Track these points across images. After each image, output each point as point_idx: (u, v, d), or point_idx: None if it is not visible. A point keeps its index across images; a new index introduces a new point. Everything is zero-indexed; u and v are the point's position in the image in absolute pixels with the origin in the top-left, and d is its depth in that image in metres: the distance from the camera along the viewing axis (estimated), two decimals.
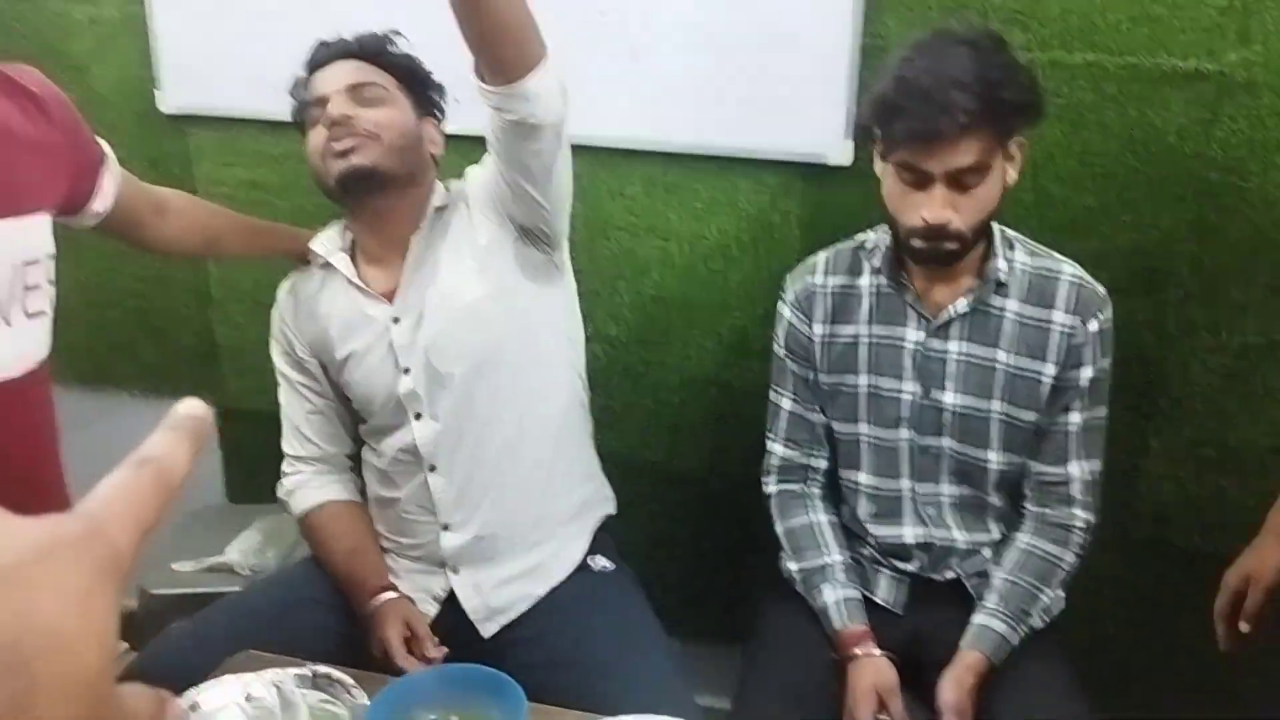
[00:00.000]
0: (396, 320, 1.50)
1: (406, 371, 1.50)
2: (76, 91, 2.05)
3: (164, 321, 2.20)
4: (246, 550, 1.96)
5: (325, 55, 1.51)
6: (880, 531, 1.58)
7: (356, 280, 1.52)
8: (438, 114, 1.57)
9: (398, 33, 1.53)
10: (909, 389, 1.52)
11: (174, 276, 2.16)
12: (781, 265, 1.80)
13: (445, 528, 1.54)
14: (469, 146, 1.50)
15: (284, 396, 1.63)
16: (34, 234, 1.17)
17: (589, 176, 1.85)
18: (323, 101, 1.46)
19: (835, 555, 1.57)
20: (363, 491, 1.65)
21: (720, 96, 1.74)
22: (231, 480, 2.31)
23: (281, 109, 1.96)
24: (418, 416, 1.52)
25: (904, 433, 1.54)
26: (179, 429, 0.40)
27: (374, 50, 1.51)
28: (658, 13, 1.73)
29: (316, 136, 1.47)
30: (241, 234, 1.63)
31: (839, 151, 1.72)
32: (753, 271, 1.84)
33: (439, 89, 1.57)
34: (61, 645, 0.31)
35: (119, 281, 2.19)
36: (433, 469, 1.53)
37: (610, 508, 1.69)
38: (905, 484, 1.56)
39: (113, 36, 2.01)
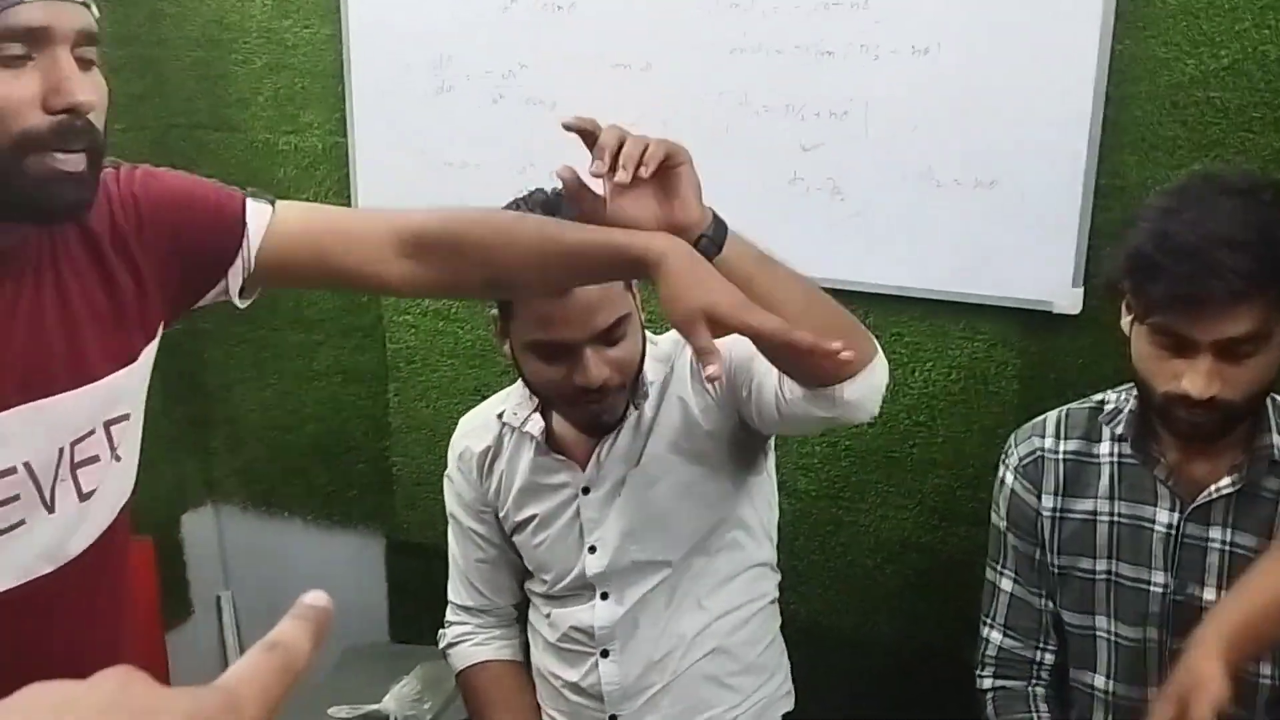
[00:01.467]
0: (587, 490, 1.39)
1: (593, 551, 1.39)
2: None
3: (340, 448, 2.18)
4: (403, 699, 1.85)
5: None
6: None
7: (543, 444, 1.40)
8: None
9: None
10: (1159, 580, 1.29)
11: (353, 403, 2.13)
12: (995, 422, 1.63)
13: (613, 719, 1.40)
14: None
15: (454, 540, 1.54)
16: (108, 395, 0.97)
17: None
18: (555, 346, 1.25)
19: None
20: (526, 647, 1.54)
21: (933, 236, 1.60)
22: (395, 617, 2.24)
23: None
24: (604, 596, 1.40)
25: (1152, 632, 1.31)
26: (304, 618, 0.42)
27: None
28: (867, 149, 1.61)
29: (547, 376, 1.28)
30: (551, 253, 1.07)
31: (1066, 299, 1.54)
32: (962, 428, 1.66)
33: None
34: None
35: (298, 405, 2.19)
36: (605, 654, 1.40)
37: (789, 705, 1.52)
38: (1153, 694, 1.32)
39: (314, 165, 2.04)
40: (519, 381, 1.44)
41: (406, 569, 2.18)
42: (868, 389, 1.14)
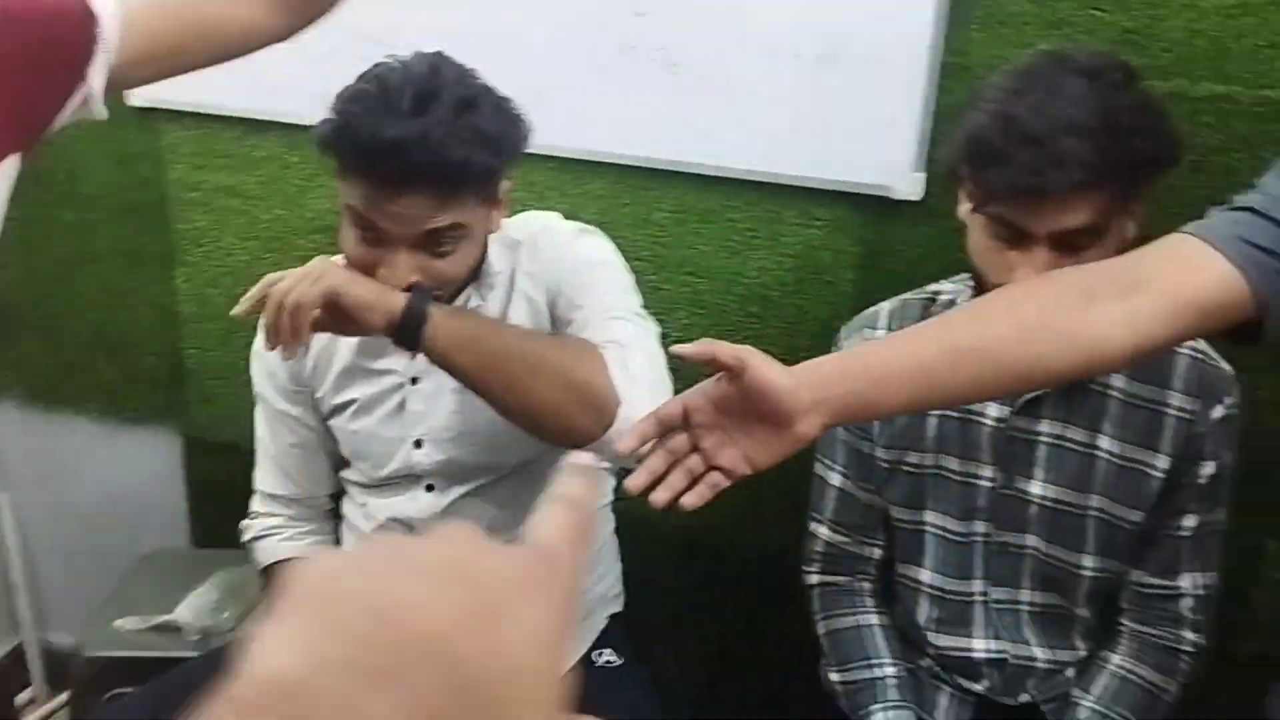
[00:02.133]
0: (415, 380, 1.27)
1: (419, 445, 1.29)
2: None
3: (126, 340, 1.96)
4: (199, 609, 1.71)
5: (385, 172, 1.08)
6: (944, 642, 1.33)
7: None
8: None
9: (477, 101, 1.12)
10: (987, 475, 1.27)
11: (138, 290, 1.91)
12: (829, 313, 1.57)
13: None
14: None
15: (262, 424, 1.40)
16: None
17: (611, 199, 1.61)
18: (374, 228, 1.12)
19: (887, 667, 1.32)
20: (339, 543, 1.44)
21: (769, 115, 1.49)
22: (196, 520, 2.07)
23: (266, 106, 1.73)
24: (429, 489, 1.32)
25: (979, 526, 1.29)
26: (580, 474, 0.41)
27: (460, 177, 1.10)
28: (700, 16, 1.48)
29: (355, 253, 1.15)
30: None
31: (907, 184, 1.47)
32: (795, 319, 1.59)
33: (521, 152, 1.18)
34: (527, 683, 0.32)
35: (76, 292, 1.95)
36: None
37: (617, 606, 1.49)
38: (978, 587, 1.31)
39: None
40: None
41: (205, 469, 2.00)
42: (617, 434, 1.06)
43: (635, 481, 0.90)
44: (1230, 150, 1.32)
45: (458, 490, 1.31)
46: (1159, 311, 0.90)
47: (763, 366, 0.88)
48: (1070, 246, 1.09)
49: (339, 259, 1.19)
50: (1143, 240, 1.14)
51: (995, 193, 1.10)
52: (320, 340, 1.29)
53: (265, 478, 1.42)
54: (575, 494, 0.40)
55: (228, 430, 1.91)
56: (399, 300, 1.08)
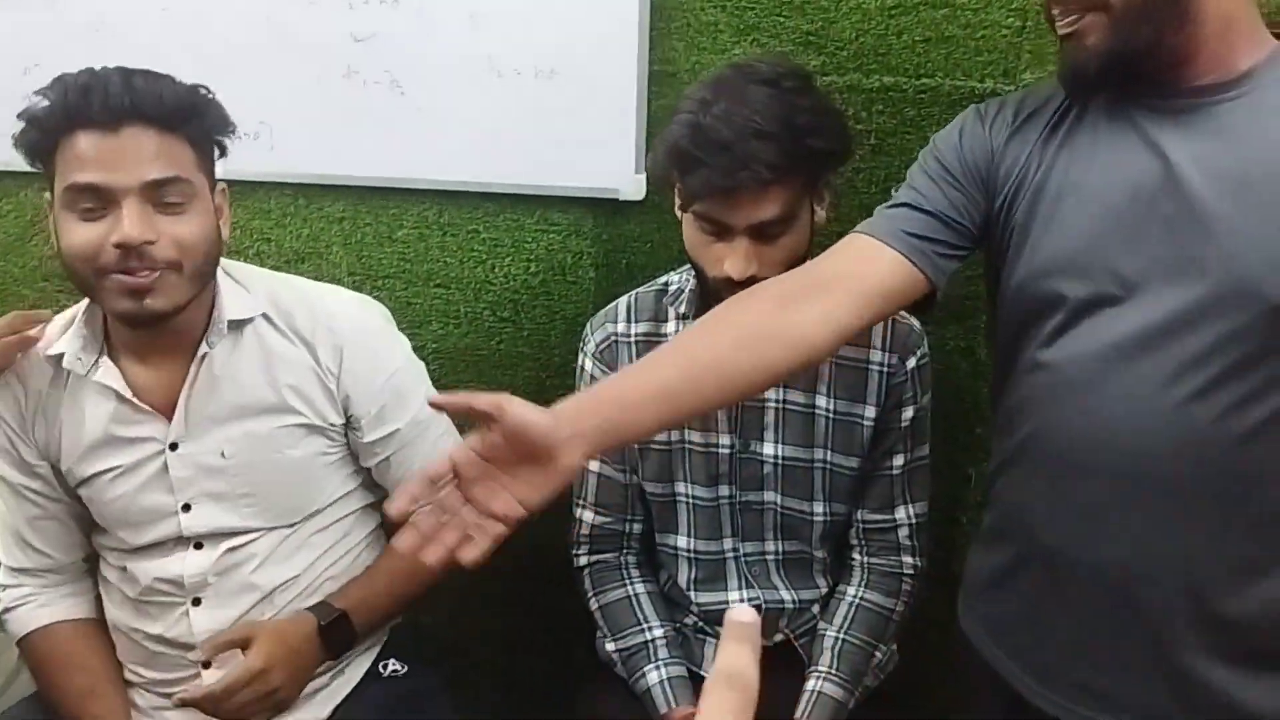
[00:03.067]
0: (175, 446, 1.25)
1: (187, 509, 1.27)
2: None
3: None
4: None
5: (97, 109, 1.11)
6: (704, 599, 1.45)
7: (126, 393, 1.24)
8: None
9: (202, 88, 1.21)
10: (725, 442, 1.39)
11: None
12: (576, 310, 1.66)
13: (206, 665, 1.30)
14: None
15: (0, 500, 1.33)
16: None
17: (352, 219, 1.65)
18: (97, 192, 1.12)
19: (656, 630, 1.42)
20: (98, 599, 1.39)
21: (498, 129, 1.57)
22: None
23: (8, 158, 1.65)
24: (198, 546, 1.29)
25: (724, 489, 1.41)
26: (744, 640, 0.45)
27: (176, 114, 1.15)
28: (423, 39, 1.54)
29: (83, 238, 1.13)
30: None
31: (630, 186, 1.59)
32: (545, 319, 1.68)
33: (231, 131, 1.25)
34: None
35: None
36: (197, 602, 1.29)
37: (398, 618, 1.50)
38: (729, 545, 1.44)
39: None
40: (70, 314, 1.27)
41: None
42: None
43: (404, 542, 0.89)
44: (903, 133, 1.51)
45: (230, 543, 1.29)
46: (850, 304, 1.05)
47: (520, 409, 0.90)
48: (767, 235, 1.24)
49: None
50: (834, 221, 1.31)
51: (696, 194, 1.22)
52: (59, 412, 1.27)
53: (9, 551, 1.35)
54: (743, 671, 0.46)
55: None
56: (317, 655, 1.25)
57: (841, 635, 1.38)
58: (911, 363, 1.36)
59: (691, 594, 1.45)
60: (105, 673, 1.33)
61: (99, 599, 1.39)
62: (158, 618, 1.30)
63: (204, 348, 1.24)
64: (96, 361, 1.24)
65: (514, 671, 1.88)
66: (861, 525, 1.42)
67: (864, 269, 1.08)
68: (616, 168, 1.58)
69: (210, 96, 1.21)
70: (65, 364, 1.24)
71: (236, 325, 1.26)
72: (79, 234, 1.13)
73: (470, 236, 1.65)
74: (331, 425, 1.30)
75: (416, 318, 1.68)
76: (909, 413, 1.37)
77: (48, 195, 1.18)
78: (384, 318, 1.38)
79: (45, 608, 1.35)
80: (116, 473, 1.27)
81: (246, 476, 1.26)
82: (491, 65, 1.55)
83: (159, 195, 1.14)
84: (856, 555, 1.43)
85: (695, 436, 1.40)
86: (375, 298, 1.65)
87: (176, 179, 1.14)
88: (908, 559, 1.41)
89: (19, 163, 1.58)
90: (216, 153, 1.24)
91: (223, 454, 1.26)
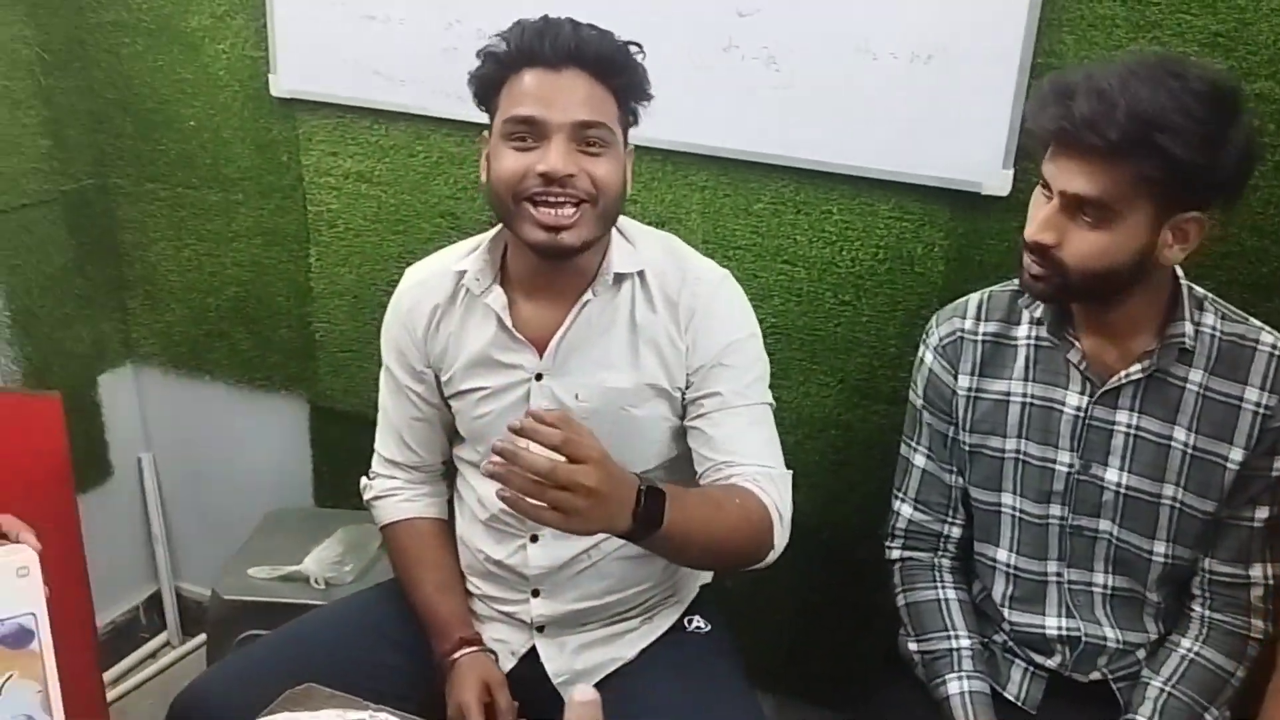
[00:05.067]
0: (540, 378, 1.36)
1: None
2: (190, 69, 2.01)
3: (262, 312, 2.13)
4: (323, 561, 1.86)
5: (547, 51, 1.24)
6: (1018, 618, 1.39)
7: (509, 323, 1.36)
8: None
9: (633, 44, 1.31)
10: (1065, 460, 1.32)
11: (274, 266, 2.08)
12: (919, 303, 1.63)
13: (535, 594, 1.42)
14: None
15: (386, 394, 1.50)
16: None
17: (712, 189, 1.70)
18: (533, 125, 1.24)
19: (963, 640, 1.39)
20: (452, 505, 1.54)
21: (864, 111, 1.56)
22: (319, 482, 2.23)
23: (396, 99, 1.87)
24: None
25: (1055, 509, 1.35)
26: None
27: (610, 66, 1.27)
28: (802, 17, 1.55)
29: (512, 164, 1.25)
30: None
31: (995, 180, 1.52)
32: (886, 307, 1.66)
33: (648, 98, 1.33)
34: None
35: (218, 266, 2.12)
36: (535, 539, 1.40)
37: (707, 577, 1.56)
38: (1052, 567, 1.37)
39: (230, 14, 1.93)
40: (476, 240, 1.41)
41: (330, 435, 2.16)
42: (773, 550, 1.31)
43: None
44: None
45: None
46: None
47: None
48: (1081, 211, 1.15)
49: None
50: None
51: (1041, 132, 1.17)
52: (451, 325, 1.40)
53: (386, 443, 1.52)
54: None
55: (351, 400, 2.07)
56: (627, 513, 1.10)
57: (1168, 688, 1.29)
58: None
59: (1005, 610, 1.40)
60: (455, 573, 1.47)
61: (451, 505, 1.54)
62: (499, 544, 1.42)
63: (588, 294, 1.33)
64: (490, 286, 1.35)
65: (808, 648, 1.90)
66: (1208, 576, 1.30)
67: None
68: (982, 160, 1.52)
69: (641, 57, 1.30)
70: (464, 281, 1.37)
71: (619, 278, 1.34)
72: (509, 160, 1.24)
73: (823, 217, 1.65)
74: (677, 389, 1.36)
75: (761, 291, 1.72)
76: None
77: (485, 132, 1.32)
78: (738, 290, 1.41)
79: (409, 503, 1.51)
80: (485, 393, 1.39)
81: (591, 422, 1.33)
82: (867, 47, 1.54)
83: (584, 136, 1.23)
84: (1197, 607, 1.32)
85: (1032, 449, 1.34)
86: (724, 266, 1.72)
87: (601, 124, 1.24)
88: (1257, 622, 1.29)
89: (436, 108, 1.80)
90: (631, 118, 1.32)
91: (577, 396, 1.34)
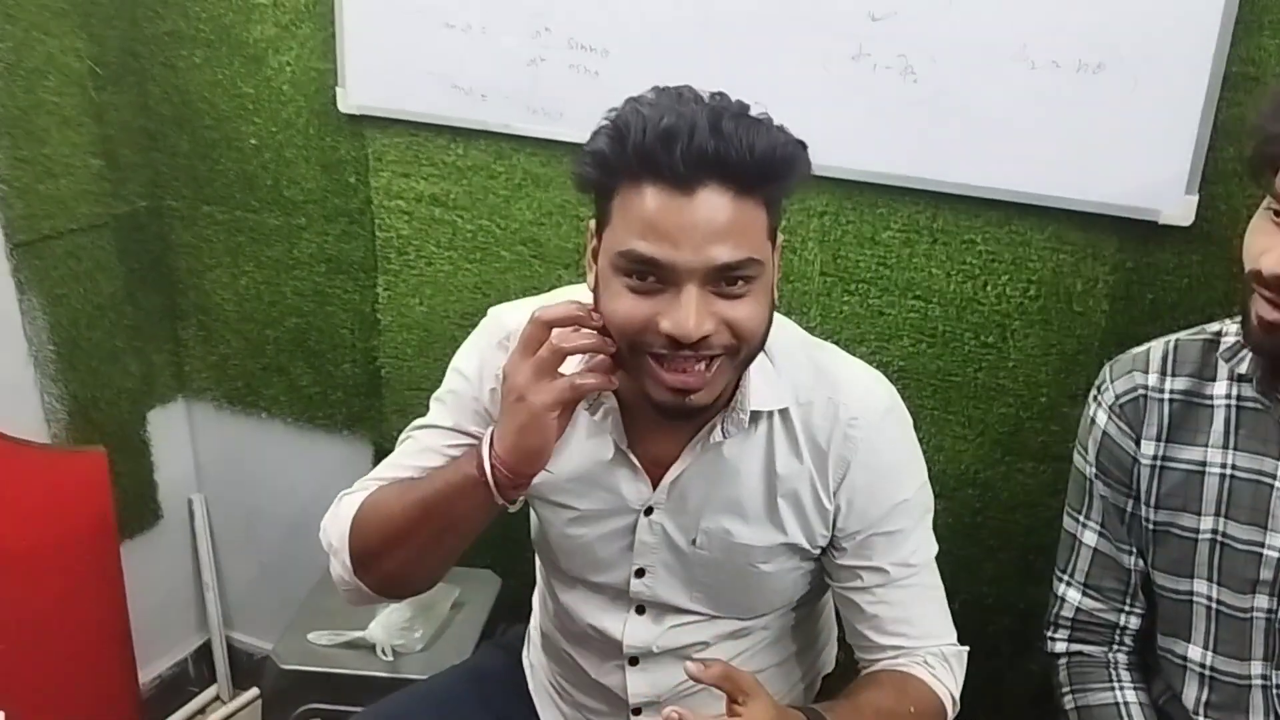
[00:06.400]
0: (649, 511, 1.14)
1: (640, 575, 1.18)
2: (251, 83, 1.86)
3: (324, 345, 1.96)
4: (390, 626, 1.68)
5: (677, 164, 0.91)
6: None
7: (623, 445, 1.12)
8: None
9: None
10: (1277, 544, 1.11)
11: (339, 296, 1.91)
12: (1076, 347, 1.42)
13: (636, 713, 1.24)
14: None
15: (429, 437, 1.18)
16: None
17: (834, 215, 1.50)
18: (656, 267, 0.93)
19: None
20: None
21: (1019, 128, 1.36)
22: None
23: (474, 115, 1.69)
24: (639, 610, 1.20)
25: (1262, 600, 1.13)
26: None
27: (763, 174, 0.94)
28: (946, 20, 1.36)
29: (629, 311, 0.96)
30: None
31: (1176, 208, 1.31)
32: (1038, 351, 1.45)
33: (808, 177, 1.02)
34: None
35: (278, 296, 1.96)
36: (634, 662, 1.22)
37: (830, 666, 1.38)
38: (1258, 669, 1.15)
39: (295, 23, 1.77)
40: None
41: None
42: None
43: None
44: None
45: (674, 619, 1.19)
46: None
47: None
48: None
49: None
50: None
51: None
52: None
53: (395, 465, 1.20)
54: None
55: None
56: None
57: None
58: None
59: (1199, 719, 1.18)
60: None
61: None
62: (592, 665, 1.25)
63: (718, 435, 1.08)
64: (599, 398, 1.10)
65: None
66: None
67: None
68: (1161, 185, 1.31)
69: (804, 148, 0.98)
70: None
71: (755, 416, 1.10)
72: (625, 305, 0.96)
73: (964, 247, 1.45)
74: (817, 546, 1.15)
75: (886, 330, 1.52)
76: None
77: (591, 226, 1.04)
78: (904, 424, 1.17)
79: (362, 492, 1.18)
80: (578, 514, 1.16)
81: (710, 570, 1.15)
82: (1024, 54, 1.33)
83: (724, 278, 0.94)
84: None
85: (1235, 529, 1.13)
86: (844, 302, 1.52)
87: (748, 262, 0.94)
88: None
89: (519, 125, 1.62)
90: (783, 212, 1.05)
91: (694, 541, 1.14)
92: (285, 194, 1.88)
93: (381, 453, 1.98)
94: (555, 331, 0.96)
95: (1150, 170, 1.32)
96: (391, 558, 1.10)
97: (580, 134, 1.02)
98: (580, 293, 1.07)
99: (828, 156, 1.45)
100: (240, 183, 1.91)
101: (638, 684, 1.21)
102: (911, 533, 1.15)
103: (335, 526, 1.15)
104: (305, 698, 1.61)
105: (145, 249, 1.99)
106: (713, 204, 0.92)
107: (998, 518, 1.54)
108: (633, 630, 1.19)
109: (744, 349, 0.98)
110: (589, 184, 0.99)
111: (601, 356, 0.98)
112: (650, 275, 0.94)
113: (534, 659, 1.37)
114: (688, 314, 0.92)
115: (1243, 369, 1.12)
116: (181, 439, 2.16)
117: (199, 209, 1.96)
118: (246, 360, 2.05)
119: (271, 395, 2.05)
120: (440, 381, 1.22)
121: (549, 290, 1.68)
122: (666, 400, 0.98)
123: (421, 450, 1.17)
